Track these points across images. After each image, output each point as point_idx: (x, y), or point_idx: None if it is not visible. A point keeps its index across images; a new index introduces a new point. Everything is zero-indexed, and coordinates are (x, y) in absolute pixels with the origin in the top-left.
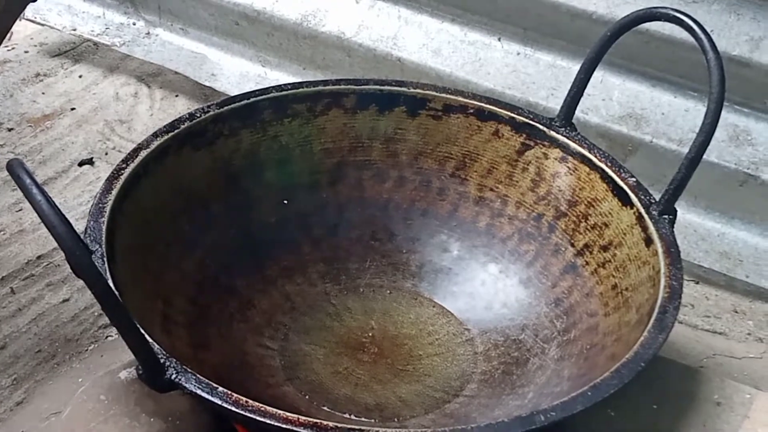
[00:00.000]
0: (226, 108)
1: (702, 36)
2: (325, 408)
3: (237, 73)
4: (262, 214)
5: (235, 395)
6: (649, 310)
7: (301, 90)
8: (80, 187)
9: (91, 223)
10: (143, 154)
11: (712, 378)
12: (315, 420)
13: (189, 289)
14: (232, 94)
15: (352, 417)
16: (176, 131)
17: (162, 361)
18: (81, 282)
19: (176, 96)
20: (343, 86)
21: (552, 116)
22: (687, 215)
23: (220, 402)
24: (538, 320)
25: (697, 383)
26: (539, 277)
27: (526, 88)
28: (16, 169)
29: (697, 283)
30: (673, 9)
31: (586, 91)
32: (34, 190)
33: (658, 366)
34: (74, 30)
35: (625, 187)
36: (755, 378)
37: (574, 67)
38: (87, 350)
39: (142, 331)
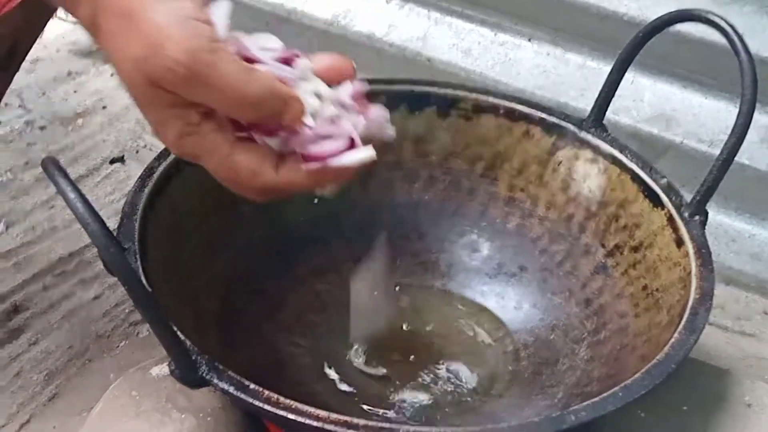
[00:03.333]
0: None
1: (735, 37)
2: (355, 406)
3: None
4: (292, 214)
5: (267, 392)
6: (680, 311)
7: None
8: (111, 184)
9: (124, 220)
10: None
11: (743, 380)
12: (345, 418)
13: (219, 287)
14: None
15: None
16: None
17: (194, 357)
18: (112, 279)
19: None
20: (373, 86)
21: (582, 117)
22: (717, 216)
23: (251, 399)
24: (568, 321)
25: (727, 385)
26: (569, 278)
27: (556, 89)
28: (50, 167)
29: (728, 284)
30: (705, 11)
31: (616, 92)
32: (69, 188)
33: (688, 367)
34: None
35: (656, 189)
36: None
37: (605, 68)
38: (118, 347)
39: (175, 328)
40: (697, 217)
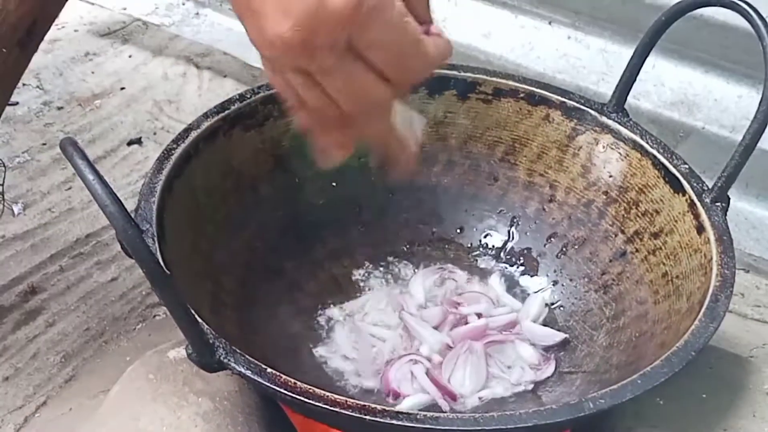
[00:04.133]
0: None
1: (758, 21)
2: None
3: None
4: (310, 196)
5: (284, 377)
6: (701, 298)
7: None
8: (129, 166)
9: (142, 202)
10: (193, 134)
11: (762, 368)
12: (363, 403)
13: (237, 270)
14: None
15: None
16: (226, 112)
17: (211, 341)
18: (129, 261)
19: (224, 76)
20: None
21: (602, 101)
22: (738, 203)
23: (268, 383)
24: (587, 307)
25: (746, 373)
26: (588, 264)
27: (576, 73)
28: (68, 148)
29: (748, 271)
30: None
31: (638, 76)
32: (87, 170)
33: (707, 355)
34: (124, 9)
35: (677, 174)
36: None
37: (625, 52)
38: (135, 329)
39: (192, 311)
40: (718, 204)
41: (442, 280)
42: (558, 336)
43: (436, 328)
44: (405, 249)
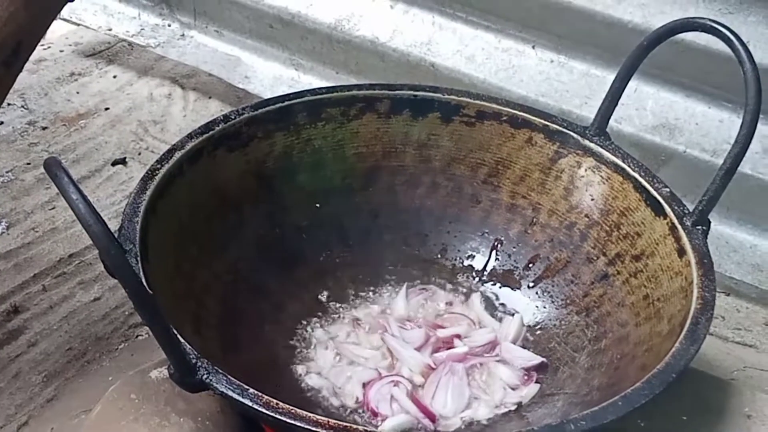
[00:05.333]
0: (260, 111)
1: (739, 47)
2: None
3: (270, 76)
4: (294, 217)
5: (266, 397)
6: (681, 321)
7: (335, 94)
8: (113, 186)
9: (126, 222)
10: (178, 155)
11: (743, 390)
12: (345, 424)
13: (220, 290)
14: (265, 97)
15: None
16: (211, 133)
17: (193, 361)
18: (112, 281)
19: (209, 98)
20: (377, 91)
21: (585, 125)
22: (719, 227)
23: (250, 403)
24: (569, 328)
25: (727, 395)
26: (570, 286)
27: (559, 96)
28: (53, 168)
29: (728, 295)
30: (710, 20)
31: (620, 100)
32: (71, 189)
33: (688, 377)
34: (109, 30)
35: (659, 197)
36: None
37: (608, 76)
38: (117, 349)
39: (174, 331)
40: (699, 227)
41: (424, 301)
42: (535, 359)
43: (417, 349)
44: (388, 270)
